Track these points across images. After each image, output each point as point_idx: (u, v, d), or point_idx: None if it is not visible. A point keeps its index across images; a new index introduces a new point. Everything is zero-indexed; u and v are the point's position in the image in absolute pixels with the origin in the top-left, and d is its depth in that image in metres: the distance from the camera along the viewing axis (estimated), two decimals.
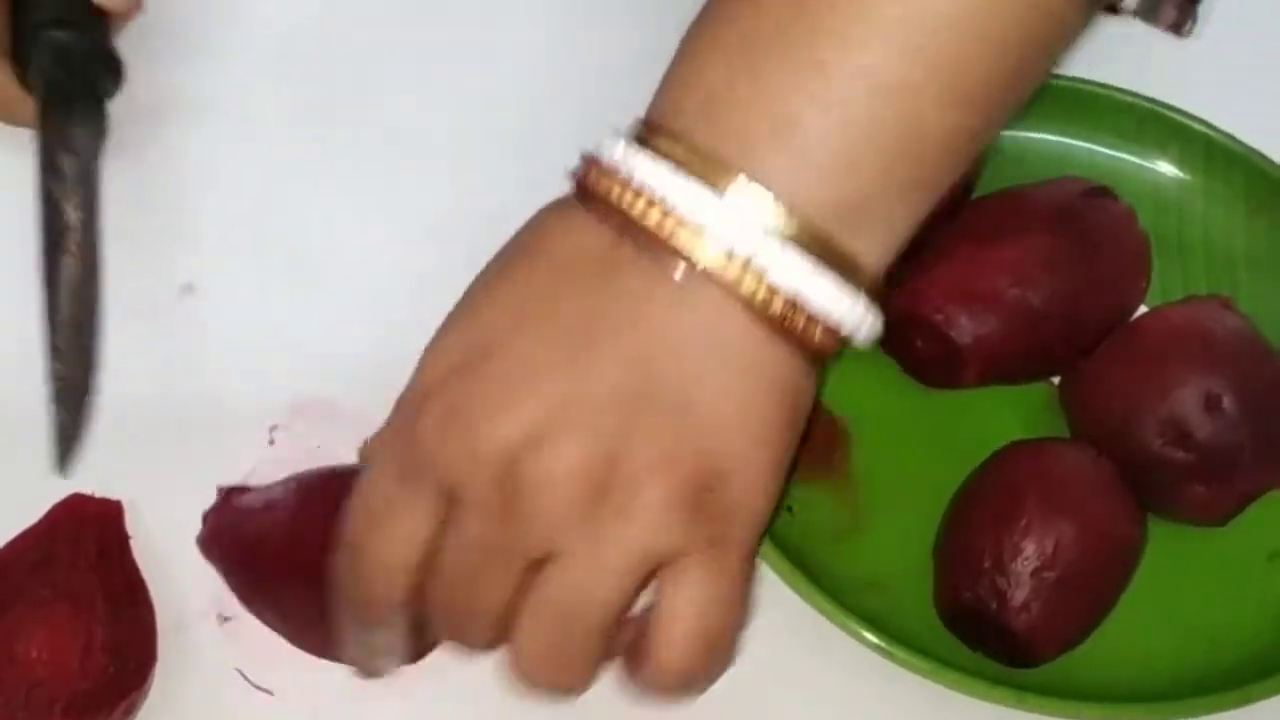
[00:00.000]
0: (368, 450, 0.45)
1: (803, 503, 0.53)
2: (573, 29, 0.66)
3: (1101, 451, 0.52)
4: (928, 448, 0.55)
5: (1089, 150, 0.62)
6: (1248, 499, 0.52)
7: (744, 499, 0.43)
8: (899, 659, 0.49)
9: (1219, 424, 0.51)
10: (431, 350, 0.44)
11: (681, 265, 0.41)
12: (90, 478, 0.53)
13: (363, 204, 0.60)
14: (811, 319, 0.42)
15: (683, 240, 0.41)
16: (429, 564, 0.43)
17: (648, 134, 0.42)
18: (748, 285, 0.41)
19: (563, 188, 0.44)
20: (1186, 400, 0.51)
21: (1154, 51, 0.65)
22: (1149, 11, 0.52)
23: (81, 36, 0.55)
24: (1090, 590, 0.50)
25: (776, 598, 0.50)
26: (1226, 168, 0.60)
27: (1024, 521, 0.49)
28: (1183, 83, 0.62)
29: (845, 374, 0.55)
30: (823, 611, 0.49)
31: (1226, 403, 0.51)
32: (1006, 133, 0.61)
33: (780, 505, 0.49)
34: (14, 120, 0.57)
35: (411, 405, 0.43)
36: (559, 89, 0.63)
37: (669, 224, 0.41)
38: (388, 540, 0.43)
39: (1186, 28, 0.58)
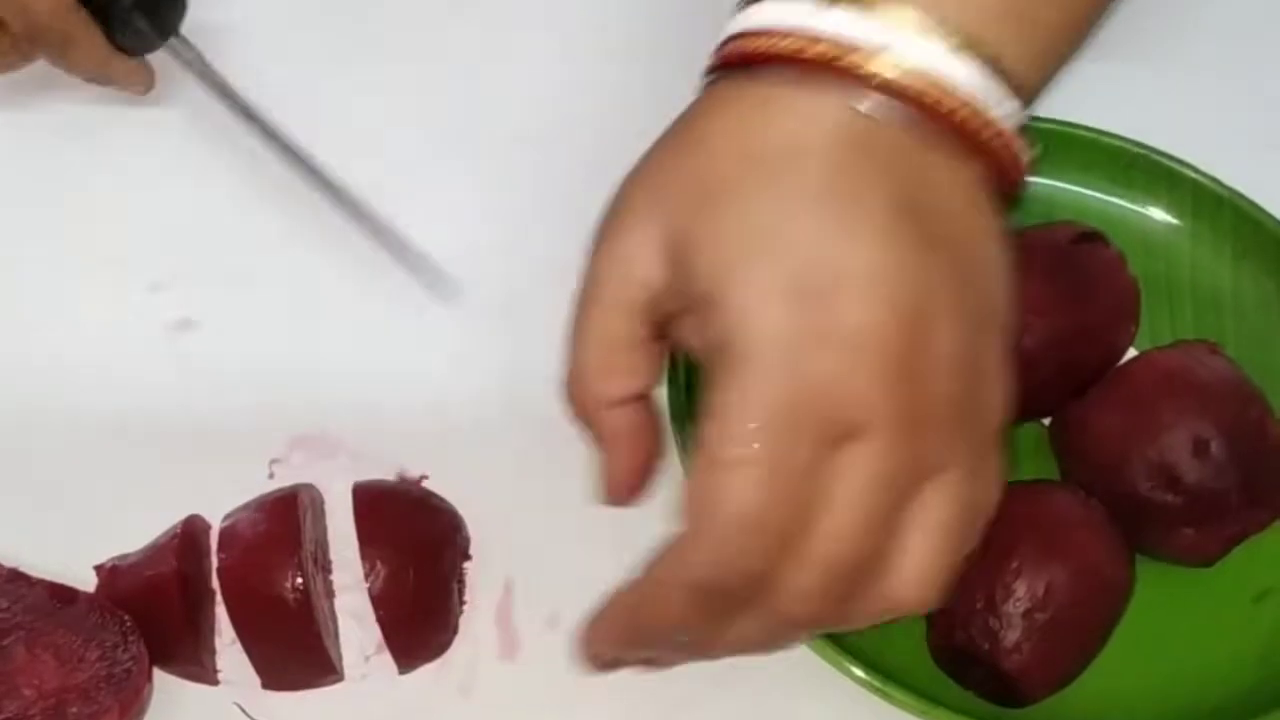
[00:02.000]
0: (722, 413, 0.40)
1: None
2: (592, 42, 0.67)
3: (1091, 493, 0.52)
4: None
5: (1079, 194, 0.62)
6: (1235, 541, 0.53)
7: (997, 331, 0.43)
8: (892, 697, 0.49)
9: (1207, 468, 0.52)
10: (758, 290, 0.40)
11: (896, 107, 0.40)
12: (90, 508, 0.53)
13: (362, 243, 0.61)
14: (993, 125, 0.42)
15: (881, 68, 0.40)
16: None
17: None
18: (964, 116, 0.41)
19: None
20: (1175, 444, 0.52)
21: (1143, 95, 0.66)
22: None
23: None
24: (1081, 631, 0.50)
25: None
26: (1213, 212, 0.61)
27: (1016, 564, 0.50)
28: (1172, 126, 0.63)
29: None
30: (815, 649, 0.50)
31: (1214, 447, 0.52)
32: None
33: None
34: (108, 79, 0.59)
35: (775, 348, 0.39)
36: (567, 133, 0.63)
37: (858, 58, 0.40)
38: (790, 504, 0.39)
39: None
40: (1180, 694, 0.52)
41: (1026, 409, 0.56)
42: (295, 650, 0.50)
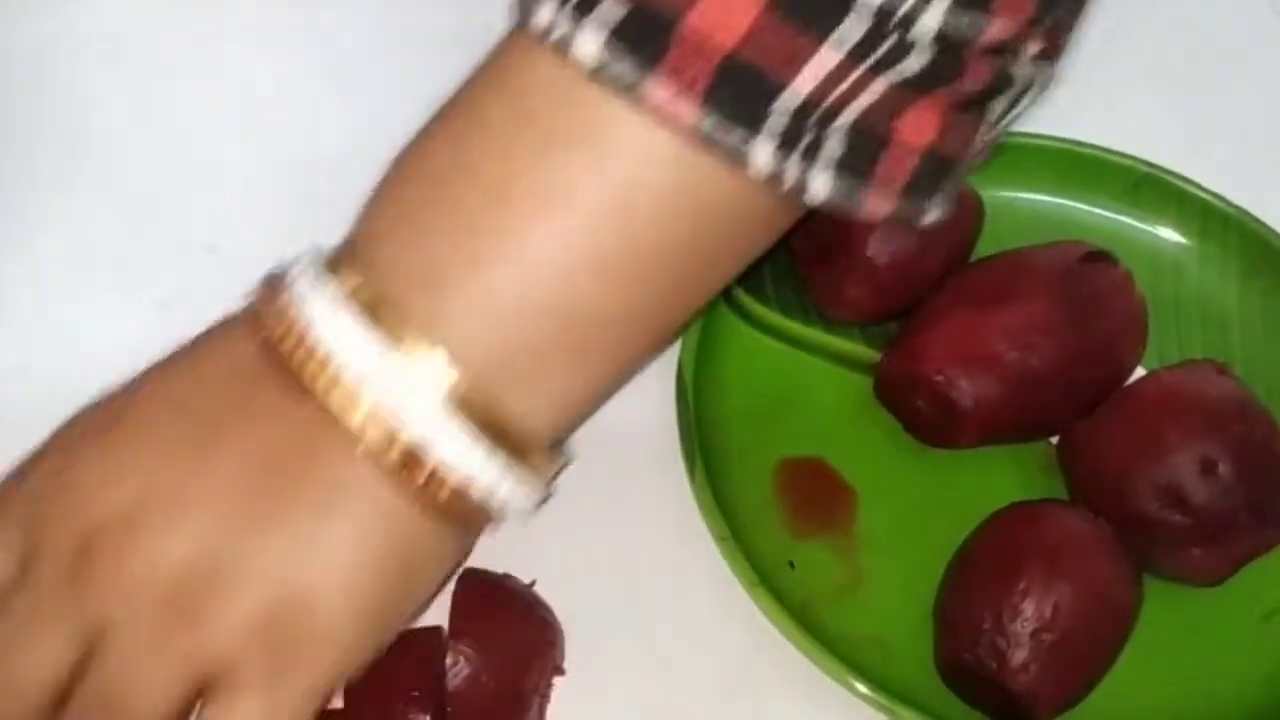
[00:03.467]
0: None
1: (805, 559, 0.54)
2: None
3: (1099, 513, 0.52)
4: (928, 506, 0.56)
5: (1088, 212, 0.63)
6: (1243, 561, 0.53)
7: (318, 639, 0.42)
8: (899, 715, 0.49)
9: (1215, 488, 0.52)
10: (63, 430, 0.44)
11: (313, 404, 0.42)
12: None
13: None
14: (435, 475, 0.42)
15: (320, 384, 0.42)
16: None
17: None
18: (371, 434, 0.41)
19: None
20: (1182, 465, 0.52)
21: (1151, 114, 0.66)
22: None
23: None
24: (1088, 651, 0.50)
25: (776, 653, 0.51)
26: (1221, 231, 0.61)
27: (1023, 584, 0.50)
28: (1180, 145, 0.63)
29: (850, 433, 0.57)
30: (823, 667, 0.50)
31: (1222, 467, 0.52)
32: (1006, 194, 0.62)
33: (780, 561, 0.50)
34: None
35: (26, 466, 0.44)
36: None
37: (311, 364, 0.42)
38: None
39: None
40: (1188, 714, 0.52)
41: (1033, 428, 0.56)
42: None
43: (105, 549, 0.41)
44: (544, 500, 0.46)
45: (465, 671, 0.48)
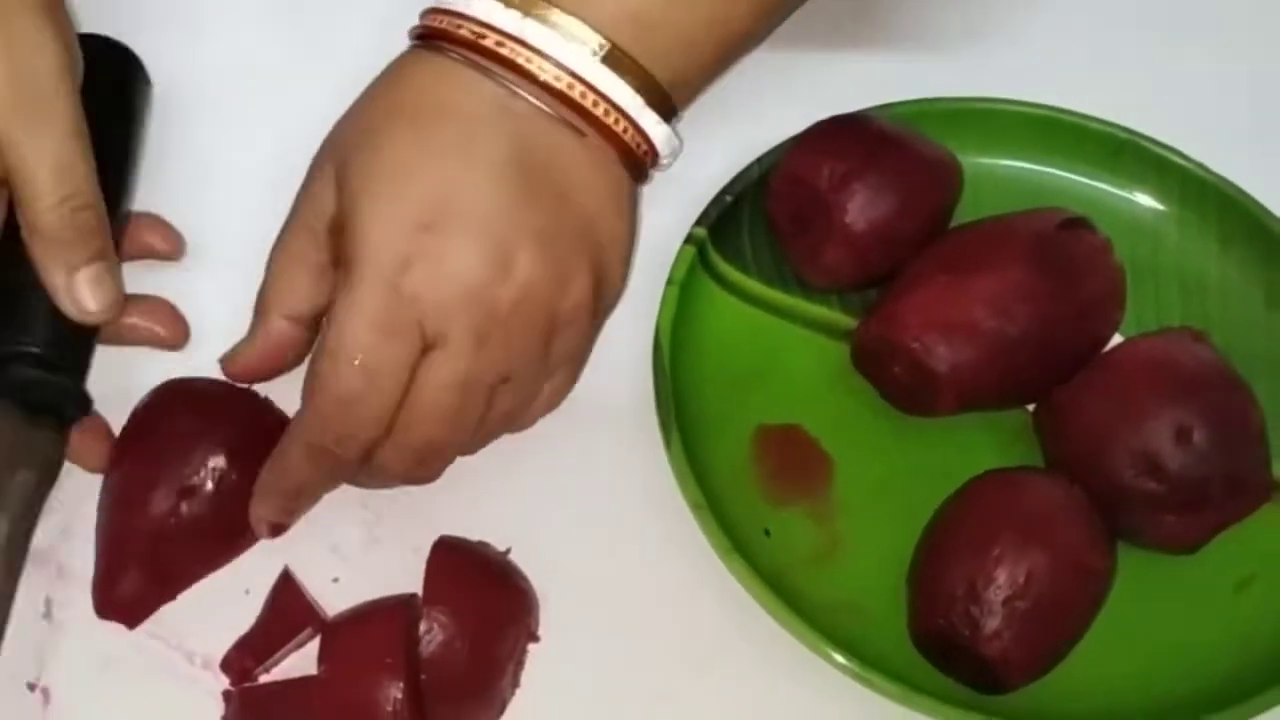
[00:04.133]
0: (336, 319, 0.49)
1: (780, 527, 0.54)
2: None
3: (1074, 480, 0.52)
4: (904, 474, 0.56)
5: (1067, 179, 0.62)
6: (1217, 529, 0.53)
7: (614, 305, 0.55)
8: (872, 683, 0.49)
9: (1190, 456, 0.52)
10: (380, 218, 0.49)
11: (537, 92, 0.50)
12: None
13: None
14: (609, 108, 0.51)
15: (534, 67, 0.50)
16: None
17: None
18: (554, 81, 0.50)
19: None
20: (1158, 432, 0.52)
21: (1131, 81, 0.66)
22: None
23: (54, 376, 0.51)
24: (1061, 619, 0.50)
25: (751, 620, 0.51)
26: (1200, 199, 0.61)
27: (997, 551, 0.50)
28: (1159, 113, 0.63)
29: (827, 400, 0.57)
30: (796, 635, 0.50)
31: (1197, 435, 0.52)
32: (986, 160, 0.62)
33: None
34: None
35: (385, 266, 0.48)
36: None
37: (520, 52, 0.50)
38: (377, 390, 0.48)
39: None
40: (1161, 681, 0.52)
41: (1010, 395, 0.56)
42: None
43: (501, 310, 0.49)
44: (675, 156, 0.55)
45: (440, 638, 0.48)
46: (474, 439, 0.52)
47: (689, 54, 0.53)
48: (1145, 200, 0.62)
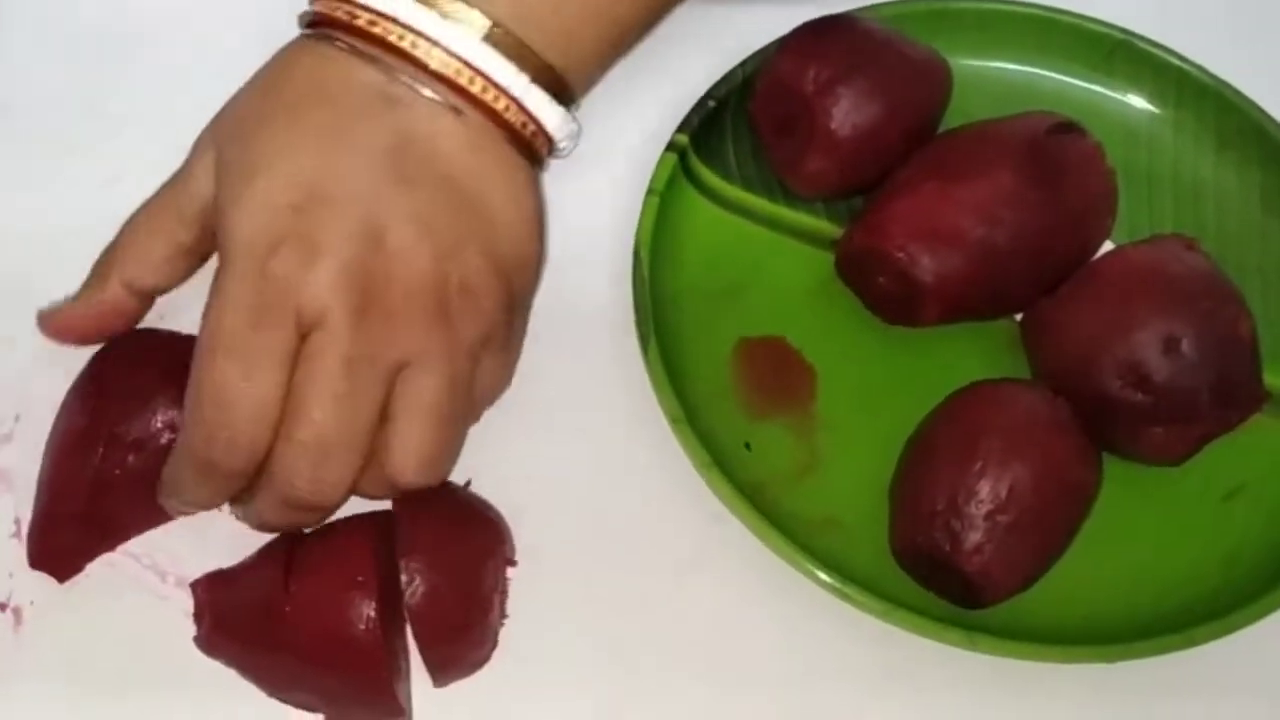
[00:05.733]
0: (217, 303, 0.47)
1: (761, 441, 0.53)
2: None
3: (1060, 391, 0.51)
4: (888, 386, 0.55)
5: (1060, 81, 0.61)
6: (1205, 440, 0.52)
7: (531, 288, 0.52)
8: (853, 599, 0.49)
9: (1177, 367, 0.50)
10: (251, 202, 0.47)
11: (420, 76, 0.48)
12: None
13: None
14: (496, 92, 0.49)
15: (419, 51, 0.48)
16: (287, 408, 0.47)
17: None
18: (442, 69, 0.48)
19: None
20: (1146, 343, 0.51)
21: None
22: None
23: None
24: (1043, 533, 0.49)
25: (733, 536, 0.50)
26: (1197, 101, 0.60)
27: (979, 464, 0.49)
28: (1155, 13, 0.61)
29: (810, 311, 0.56)
30: (776, 550, 0.49)
31: (1185, 345, 0.50)
32: (975, 63, 0.60)
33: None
34: None
35: (254, 251, 0.46)
36: None
37: (406, 36, 0.48)
38: (254, 384, 0.46)
39: None
40: (1145, 595, 0.51)
41: (997, 305, 0.55)
42: (364, 693, 0.47)
43: (381, 283, 0.47)
44: (574, 140, 0.53)
45: (422, 588, 0.47)
46: (401, 435, 0.48)
47: (580, 36, 0.51)
48: (1140, 103, 0.61)
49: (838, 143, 0.55)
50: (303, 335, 0.46)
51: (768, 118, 0.57)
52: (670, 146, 0.56)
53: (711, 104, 0.57)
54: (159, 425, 0.50)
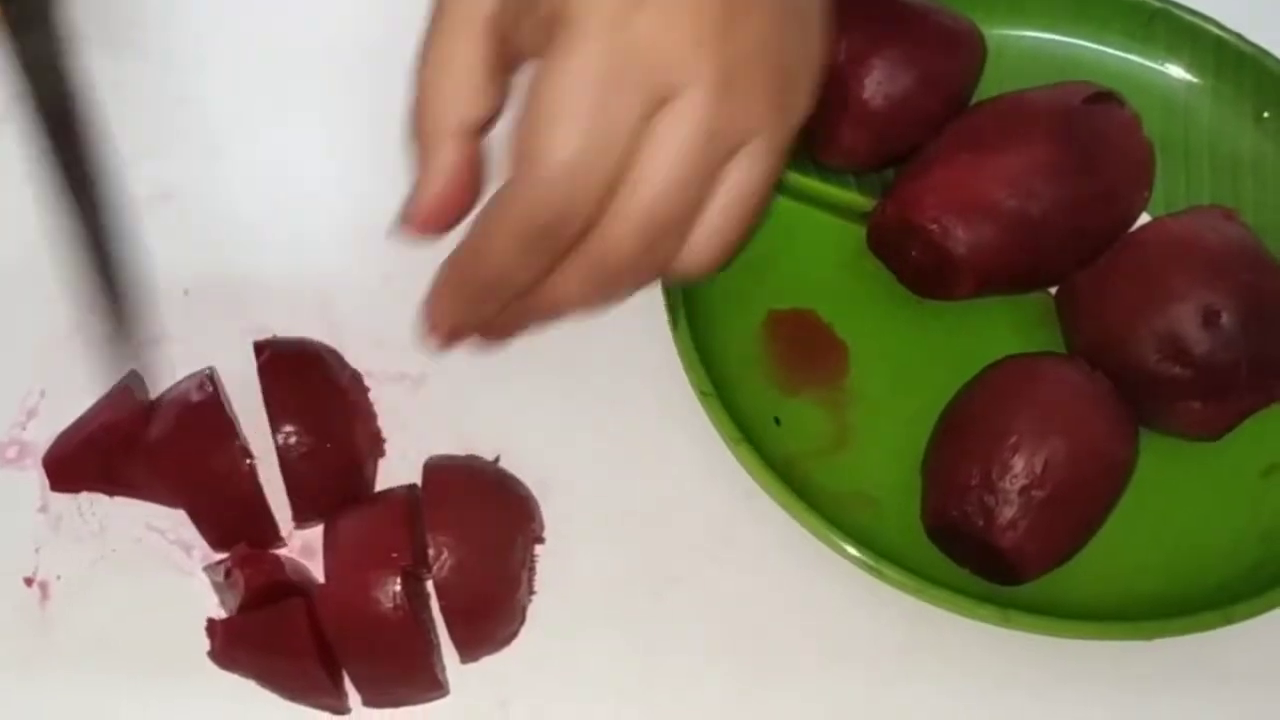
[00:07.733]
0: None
1: (791, 415, 0.53)
2: None
3: (1096, 366, 0.50)
4: (920, 360, 0.54)
5: (1097, 51, 0.60)
6: (1244, 415, 0.51)
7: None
8: (884, 575, 0.48)
9: (1217, 340, 0.50)
10: None
11: None
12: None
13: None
14: None
15: None
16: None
17: None
18: None
19: None
20: (1184, 315, 0.50)
21: None
22: None
23: None
24: (1079, 508, 0.49)
25: (763, 512, 0.50)
26: (1236, 69, 0.59)
27: (1014, 439, 0.48)
28: None
29: (842, 284, 0.55)
30: (806, 525, 0.49)
31: (1225, 318, 0.50)
32: (1010, 32, 0.60)
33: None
34: None
35: (607, 12, 0.42)
36: None
37: None
38: (606, 153, 0.42)
39: None
40: (1183, 571, 0.51)
41: (1032, 278, 0.54)
42: (404, 671, 0.47)
43: (741, 54, 0.42)
44: None
45: (450, 563, 0.47)
46: (714, 220, 0.44)
47: None
48: (1178, 73, 0.59)
49: (870, 114, 0.54)
50: (658, 104, 0.42)
51: None
52: None
53: None
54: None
